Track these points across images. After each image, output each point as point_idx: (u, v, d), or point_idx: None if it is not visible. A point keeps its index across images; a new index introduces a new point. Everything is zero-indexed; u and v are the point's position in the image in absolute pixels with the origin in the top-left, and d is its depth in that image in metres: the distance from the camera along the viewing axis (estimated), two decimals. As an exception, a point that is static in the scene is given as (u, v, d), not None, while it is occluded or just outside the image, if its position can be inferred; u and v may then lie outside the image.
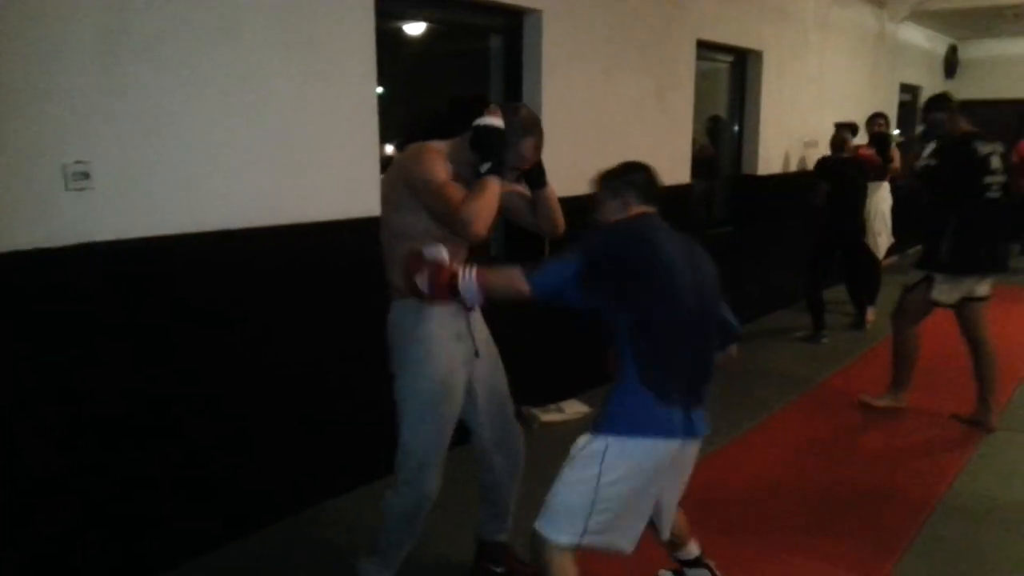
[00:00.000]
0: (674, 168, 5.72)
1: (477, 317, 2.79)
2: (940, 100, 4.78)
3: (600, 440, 2.25)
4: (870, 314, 6.99)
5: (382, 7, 3.56)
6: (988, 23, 10.15)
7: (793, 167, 7.42)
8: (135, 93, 2.80)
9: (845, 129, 6.56)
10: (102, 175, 2.73)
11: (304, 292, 3.37)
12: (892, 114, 9.65)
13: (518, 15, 4.40)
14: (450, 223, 2.44)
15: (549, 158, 4.45)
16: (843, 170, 6.43)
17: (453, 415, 2.68)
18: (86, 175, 2.70)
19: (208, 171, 3.04)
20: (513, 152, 2.54)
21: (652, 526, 2.51)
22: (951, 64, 11.77)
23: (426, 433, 2.62)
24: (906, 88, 10.26)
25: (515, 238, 4.65)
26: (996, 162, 4.43)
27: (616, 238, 2.32)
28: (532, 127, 2.58)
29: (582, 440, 2.30)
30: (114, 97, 2.74)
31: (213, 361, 3.12)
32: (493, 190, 2.45)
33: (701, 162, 6.30)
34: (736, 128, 6.87)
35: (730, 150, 6.96)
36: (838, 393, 5.26)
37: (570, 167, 4.68)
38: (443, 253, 2.36)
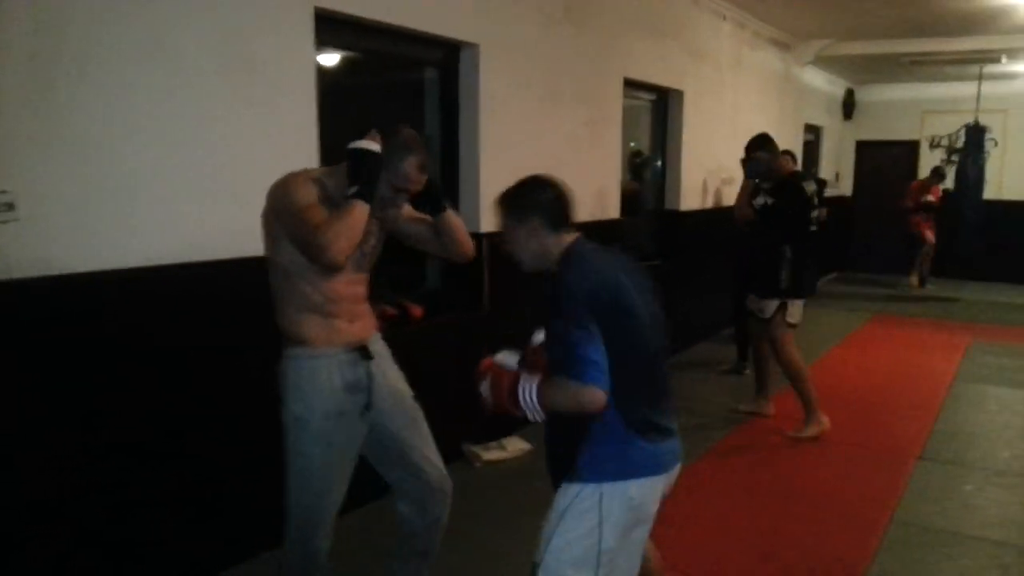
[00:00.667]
0: (605, 203, 5.76)
1: (384, 359, 2.65)
2: (763, 140, 5.30)
3: (592, 488, 2.12)
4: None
5: (321, 35, 3.46)
6: (884, 69, 10.70)
7: (710, 202, 7.58)
8: (63, 118, 2.61)
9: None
10: (27, 206, 2.53)
11: (233, 328, 3.19)
12: (798, 152, 10.02)
13: (455, 48, 4.35)
14: (307, 249, 2.31)
15: (487, 190, 4.45)
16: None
17: (341, 472, 2.53)
18: (10, 206, 2.49)
19: (146, 201, 2.86)
20: (395, 173, 2.42)
21: None
22: (848, 106, 12.36)
23: (309, 493, 2.49)
24: (810, 128, 10.69)
25: (452, 271, 4.56)
26: (815, 199, 5.13)
27: (584, 277, 2.09)
28: (414, 146, 2.45)
29: (570, 492, 2.15)
30: (41, 122, 2.55)
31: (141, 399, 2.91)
32: (356, 215, 2.31)
33: (626, 197, 6.34)
34: (659, 164, 6.97)
35: (652, 186, 7.05)
36: (766, 428, 5.30)
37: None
38: (513, 362, 2.22)
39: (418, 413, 2.71)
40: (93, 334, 2.73)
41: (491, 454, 4.50)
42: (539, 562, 2.16)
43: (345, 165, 2.41)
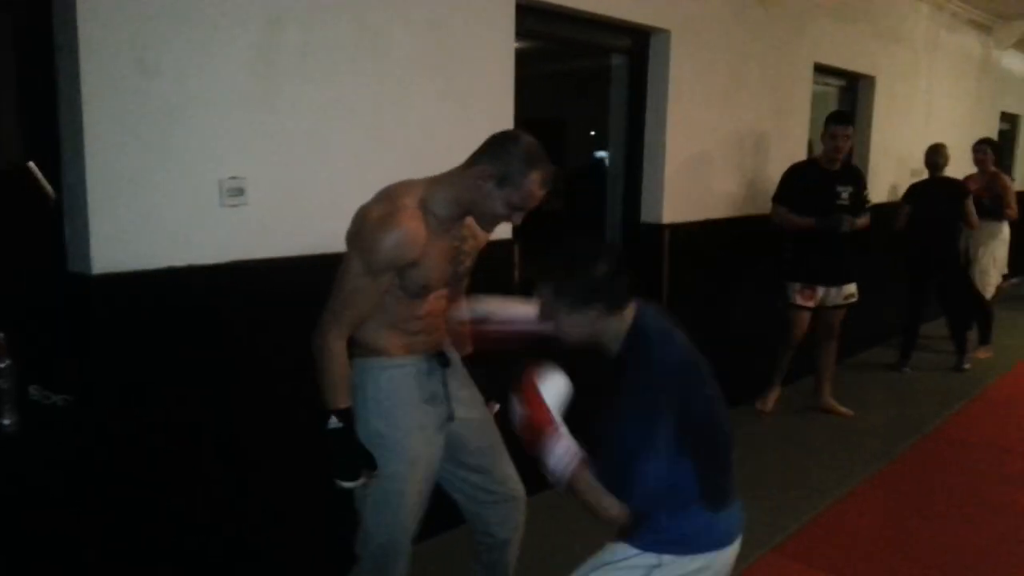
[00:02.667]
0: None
1: (459, 371, 2.46)
2: None
3: (651, 556, 1.91)
4: (982, 352, 6.68)
5: (521, 26, 3.48)
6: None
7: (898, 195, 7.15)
8: (286, 109, 2.74)
9: (932, 149, 6.28)
10: (255, 192, 2.68)
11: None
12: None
13: (646, 35, 4.28)
14: (325, 312, 2.15)
15: (672, 180, 4.37)
16: (933, 192, 6.13)
17: (421, 493, 2.32)
18: (240, 191, 2.65)
19: (353, 190, 2.96)
20: (516, 191, 2.11)
21: None
22: (1050, 92, 11.34)
23: (392, 516, 2.27)
24: (1006, 117, 9.89)
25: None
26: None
27: (663, 359, 1.87)
28: (536, 158, 2.13)
29: (620, 551, 1.95)
30: (266, 112, 2.69)
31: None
32: (324, 382, 2.14)
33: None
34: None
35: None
36: (949, 444, 4.94)
37: (694, 189, 4.59)
38: (557, 391, 1.92)
39: (492, 421, 2.54)
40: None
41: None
42: None
43: (451, 173, 2.21)
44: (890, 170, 6.93)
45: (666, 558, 1.92)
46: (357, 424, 2.24)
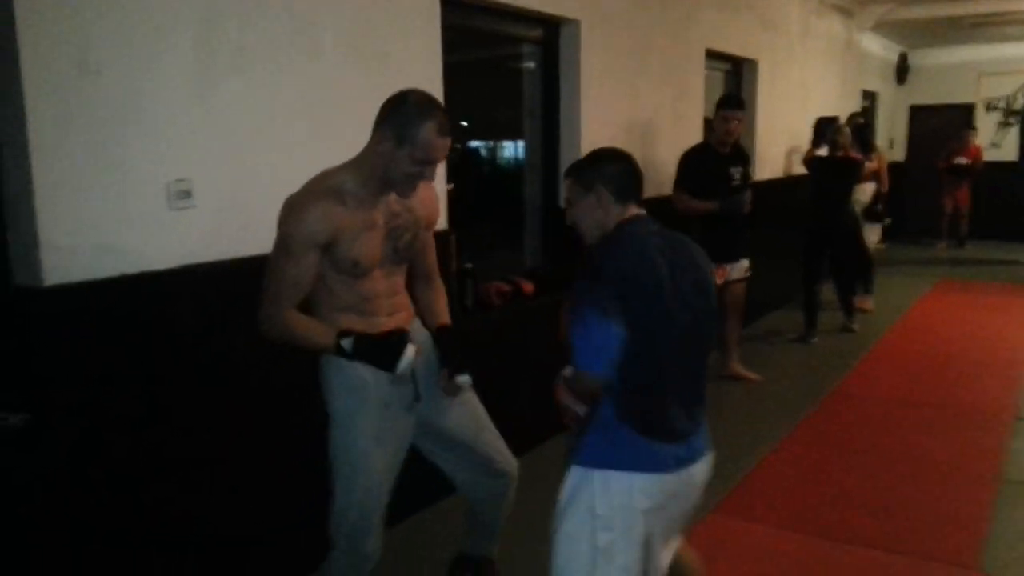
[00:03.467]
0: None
1: (429, 348, 2.49)
2: None
3: (583, 473, 2.03)
4: (867, 302, 7.25)
5: (444, 20, 3.53)
6: (940, 32, 10.57)
7: (780, 172, 7.58)
8: (227, 108, 2.70)
9: (834, 129, 6.64)
10: (201, 193, 2.63)
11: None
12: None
13: (557, 25, 4.40)
14: (261, 302, 2.22)
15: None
16: (835, 168, 6.52)
17: (390, 470, 2.39)
18: (188, 193, 2.60)
19: (297, 187, 2.94)
20: (414, 145, 2.15)
21: None
22: (902, 71, 12.21)
23: (361, 492, 2.32)
24: (866, 94, 10.60)
25: (553, 251, 4.64)
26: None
27: (614, 262, 1.99)
28: (427, 108, 2.18)
29: (567, 489, 2.07)
30: (208, 112, 2.65)
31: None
32: (307, 343, 2.24)
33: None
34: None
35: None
36: (854, 396, 5.33)
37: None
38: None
39: (473, 399, 2.58)
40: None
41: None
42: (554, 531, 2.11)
43: (366, 155, 2.26)
44: (774, 147, 7.34)
45: (596, 474, 2.00)
46: (327, 407, 2.34)
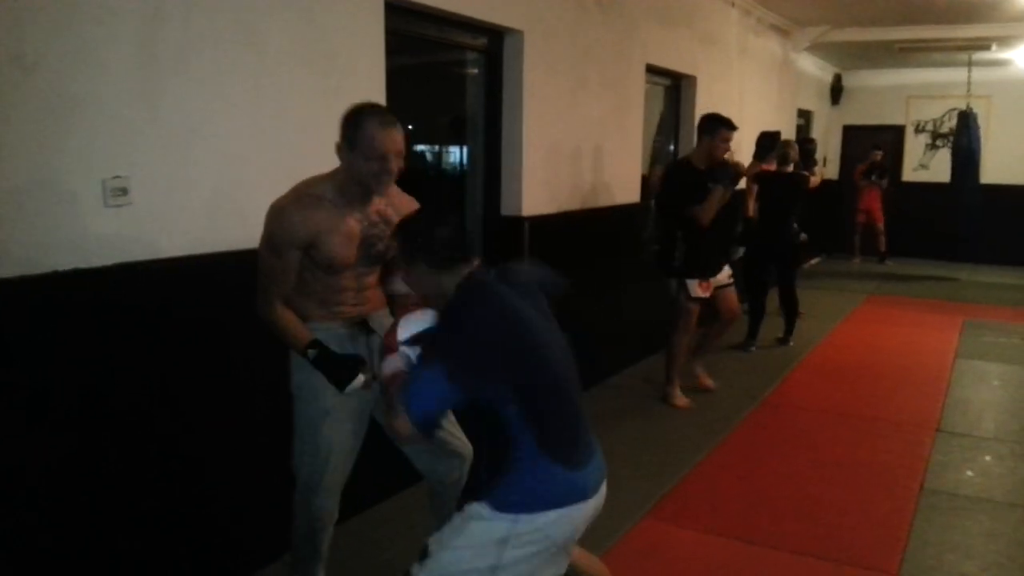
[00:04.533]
0: (627, 187, 5.90)
1: (383, 330, 2.58)
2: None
3: (502, 515, 2.01)
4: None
5: (389, 24, 3.55)
6: (872, 55, 10.94)
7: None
8: (168, 106, 2.68)
9: (784, 143, 6.74)
10: (138, 191, 2.61)
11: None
12: (791, 137, 10.25)
13: (500, 35, 4.45)
14: (257, 290, 2.50)
15: (529, 175, 4.56)
16: (784, 183, 6.70)
17: (342, 440, 2.62)
18: (124, 191, 2.57)
19: (236, 187, 2.94)
20: (363, 148, 2.37)
21: None
22: (836, 91, 12.60)
23: (310, 457, 2.62)
24: (801, 113, 10.91)
25: (496, 255, 4.68)
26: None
27: (469, 318, 1.99)
28: (369, 110, 2.42)
29: (480, 509, 2.04)
30: (148, 109, 2.62)
31: (243, 385, 3.00)
32: (284, 336, 2.50)
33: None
34: (672, 148, 7.13)
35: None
36: (784, 406, 5.48)
37: (546, 180, 4.81)
38: (423, 322, 2.16)
39: None
40: (200, 316, 2.83)
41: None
42: (429, 552, 2.08)
43: (341, 170, 2.47)
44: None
45: (522, 516, 2.00)
46: (293, 383, 2.61)
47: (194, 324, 2.82)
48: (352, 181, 2.47)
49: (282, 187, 3.06)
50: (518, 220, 4.63)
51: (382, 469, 3.08)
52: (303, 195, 2.46)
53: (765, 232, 6.73)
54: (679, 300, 5.16)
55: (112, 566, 2.67)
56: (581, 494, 2.07)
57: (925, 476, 4.22)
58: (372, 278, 2.66)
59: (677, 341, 5.27)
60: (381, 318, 2.70)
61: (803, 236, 7.19)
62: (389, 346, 2.14)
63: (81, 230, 2.47)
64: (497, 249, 4.67)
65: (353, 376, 2.46)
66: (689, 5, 6.64)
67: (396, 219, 2.49)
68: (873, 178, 11.43)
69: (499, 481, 2.03)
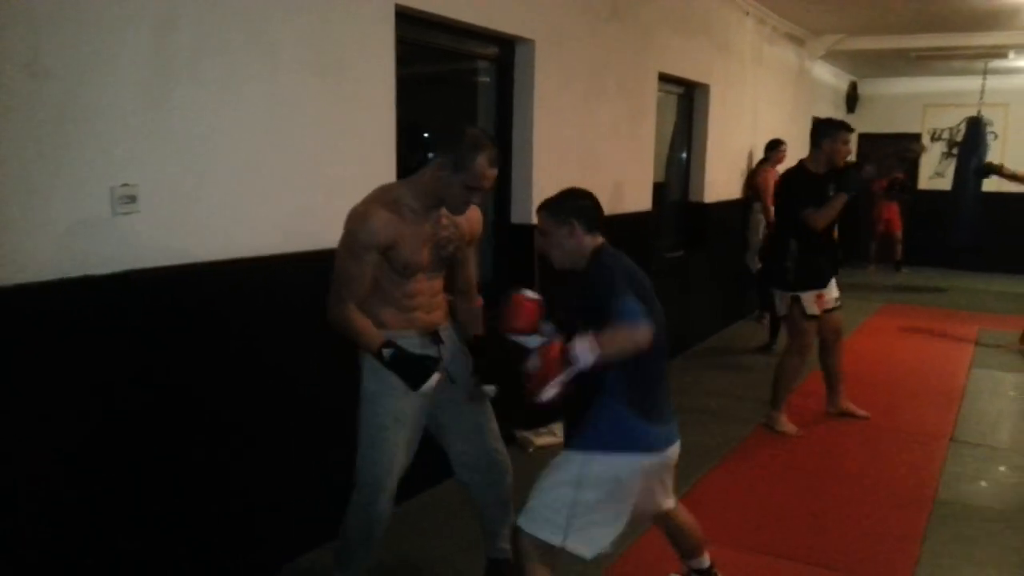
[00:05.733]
0: (639, 194, 5.89)
1: (455, 346, 2.83)
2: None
3: (581, 455, 2.40)
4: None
5: (400, 34, 3.57)
6: (888, 63, 10.88)
7: (731, 194, 7.74)
8: (179, 113, 2.70)
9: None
10: (147, 198, 2.62)
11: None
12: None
13: (511, 44, 4.46)
14: (330, 293, 2.57)
15: (539, 183, 4.56)
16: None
17: (407, 445, 2.72)
18: (132, 198, 2.59)
19: (246, 195, 2.96)
20: (468, 174, 2.51)
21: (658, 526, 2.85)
22: (852, 100, 12.55)
23: (375, 459, 2.67)
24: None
25: (503, 264, 4.68)
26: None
27: (619, 264, 2.45)
28: (481, 143, 2.53)
29: (562, 455, 2.47)
30: (158, 117, 2.64)
31: (257, 393, 3.02)
32: (356, 336, 2.56)
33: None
34: (684, 156, 7.12)
35: (677, 177, 7.18)
36: (796, 415, 5.37)
37: (557, 189, 4.77)
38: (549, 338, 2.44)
39: (482, 400, 2.88)
40: (209, 323, 2.84)
41: (542, 439, 4.63)
42: (526, 506, 2.47)
43: (424, 176, 2.59)
44: (723, 170, 7.49)
45: (597, 455, 2.37)
46: (362, 386, 2.68)
47: (203, 330, 2.84)
48: (433, 194, 2.58)
49: (292, 194, 3.10)
50: (528, 228, 4.62)
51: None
52: (384, 200, 2.56)
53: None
54: (792, 318, 4.88)
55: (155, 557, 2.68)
56: (653, 445, 2.42)
57: (938, 487, 4.18)
58: (440, 284, 2.78)
59: (788, 363, 4.98)
60: (449, 330, 2.83)
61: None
62: (525, 328, 2.55)
63: (89, 237, 2.48)
64: (507, 257, 4.68)
65: (428, 375, 2.52)
66: (703, 14, 6.64)
67: (465, 224, 2.76)
68: (893, 193, 11.24)
69: (585, 424, 2.39)
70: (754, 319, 7.94)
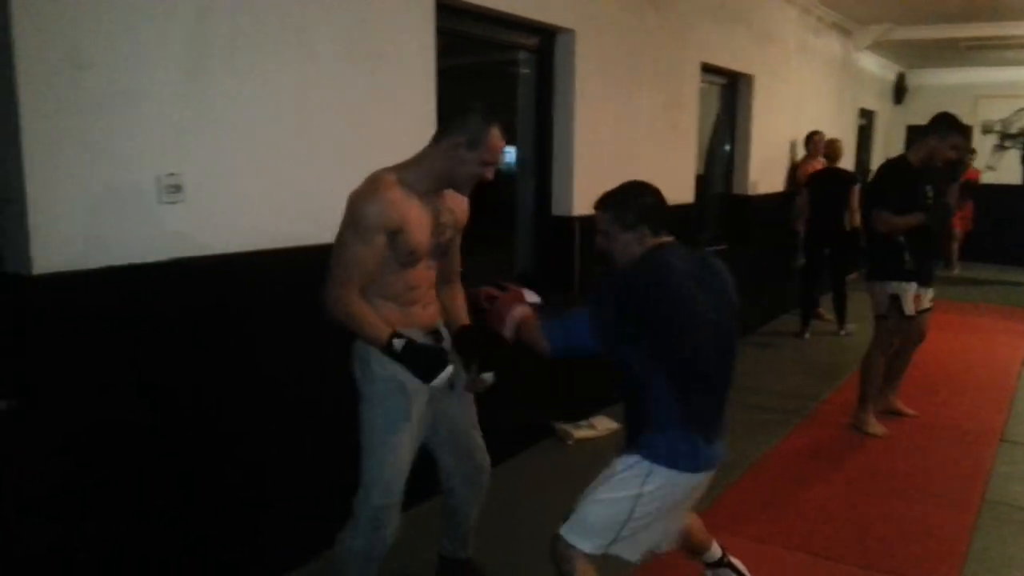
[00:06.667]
0: (680, 186, 5.83)
1: (448, 342, 2.68)
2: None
3: (645, 465, 2.30)
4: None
5: (440, 24, 3.57)
6: (937, 54, 10.64)
7: (774, 187, 7.64)
8: (218, 103, 2.73)
9: (830, 142, 7.26)
10: (191, 188, 2.66)
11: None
12: (852, 137, 10.04)
13: (552, 34, 4.44)
14: (328, 271, 2.40)
15: (580, 174, 4.54)
16: (830, 180, 7.01)
17: (412, 451, 2.58)
18: (178, 188, 2.62)
19: (285, 184, 2.98)
20: (485, 148, 2.41)
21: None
22: (899, 91, 12.29)
23: (389, 470, 2.49)
24: (863, 113, 10.67)
25: (543, 255, 4.67)
26: None
27: (629, 277, 2.27)
28: (491, 116, 2.44)
29: (625, 461, 2.34)
30: (199, 107, 2.67)
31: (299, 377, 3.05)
32: (362, 331, 2.39)
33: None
34: (727, 148, 7.04)
35: (720, 170, 7.11)
36: (839, 412, 5.29)
37: (596, 180, 4.75)
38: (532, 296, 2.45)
39: (470, 400, 2.78)
40: (252, 313, 2.88)
41: (581, 432, 4.61)
42: (574, 509, 2.38)
43: (421, 154, 2.47)
44: (767, 160, 7.40)
45: (656, 467, 2.28)
46: (364, 389, 2.51)
47: (247, 320, 2.87)
48: (440, 175, 2.46)
49: (331, 184, 3.10)
50: (569, 220, 4.61)
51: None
52: (389, 179, 2.40)
53: (816, 223, 7.04)
54: (889, 315, 4.68)
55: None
56: (703, 465, 2.33)
57: (987, 487, 4.07)
58: (434, 274, 2.62)
59: (875, 361, 4.82)
60: (444, 328, 2.70)
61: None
62: (516, 299, 2.40)
63: (136, 226, 2.52)
64: (548, 250, 4.66)
65: (442, 367, 2.37)
66: (746, 3, 6.55)
67: (458, 211, 2.64)
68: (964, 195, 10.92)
69: (647, 436, 2.30)
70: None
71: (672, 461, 2.28)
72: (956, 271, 11.10)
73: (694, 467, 2.31)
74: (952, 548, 3.44)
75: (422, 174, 2.45)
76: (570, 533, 2.35)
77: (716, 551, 2.89)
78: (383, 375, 2.46)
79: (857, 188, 6.87)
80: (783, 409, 5.28)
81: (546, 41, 4.45)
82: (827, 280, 7.29)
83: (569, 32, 4.44)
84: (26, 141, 2.24)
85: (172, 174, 2.60)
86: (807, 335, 7.22)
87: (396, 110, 3.38)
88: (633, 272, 2.28)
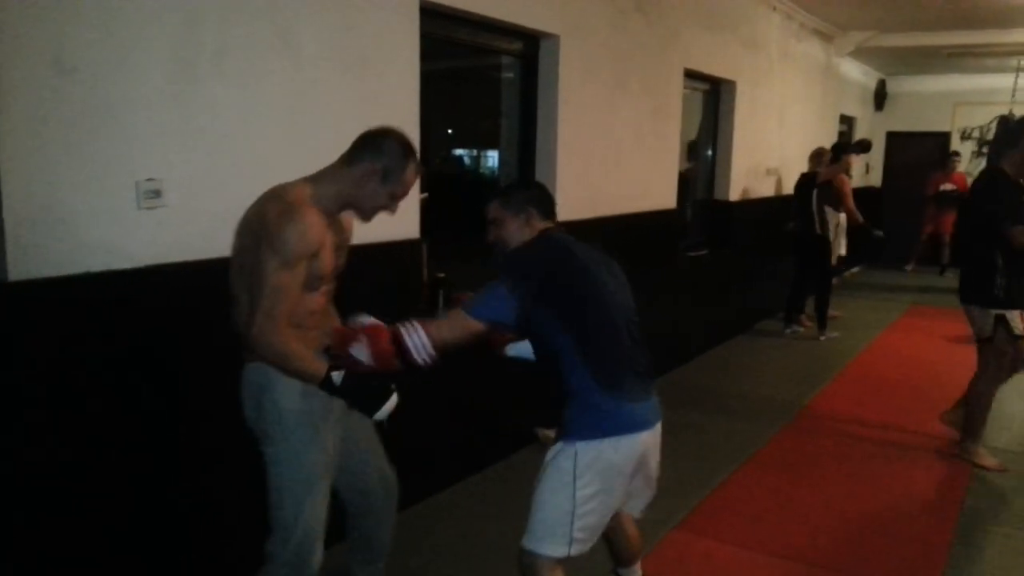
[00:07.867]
0: (663, 192, 5.84)
1: None
2: None
3: (570, 447, 2.32)
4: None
5: (424, 28, 3.55)
6: (918, 61, 10.73)
7: (757, 193, 7.67)
8: (203, 109, 2.70)
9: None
10: (173, 193, 2.63)
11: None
12: (831, 143, 10.10)
13: (536, 39, 4.43)
14: (253, 311, 2.15)
15: (563, 179, 4.53)
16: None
17: (330, 480, 2.44)
18: (158, 193, 2.59)
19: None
20: (397, 183, 2.31)
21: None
22: (880, 97, 12.38)
23: (311, 505, 2.33)
24: (843, 119, 10.73)
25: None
26: None
27: (532, 250, 2.40)
28: (410, 151, 2.35)
29: (552, 450, 2.39)
30: (183, 113, 2.64)
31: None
32: (298, 371, 2.19)
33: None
34: (709, 153, 7.06)
35: (703, 175, 7.13)
36: (821, 418, 5.36)
37: (579, 186, 4.77)
38: (370, 318, 2.30)
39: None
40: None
41: (564, 437, 4.60)
42: (529, 525, 2.40)
43: (337, 168, 2.32)
44: (749, 168, 7.42)
45: (579, 444, 2.31)
46: (270, 424, 2.31)
47: (226, 326, 2.83)
48: (347, 200, 2.32)
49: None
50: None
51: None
52: (307, 200, 2.22)
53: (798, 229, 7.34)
54: (995, 338, 4.38)
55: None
56: (634, 425, 2.34)
57: (966, 494, 4.11)
58: (328, 297, 2.45)
59: (985, 389, 4.51)
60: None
61: (878, 233, 8.05)
62: (348, 337, 2.26)
63: (115, 231, 2.49)
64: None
65: (386, 398, 2.24)
66: (729, 10, 6.57)
67: (347, 231, 2.48)
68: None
69: (568, 413, 2.34)
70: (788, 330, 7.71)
71: (593, 429, 2.30)
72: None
73: (618, 428, 2.31)
74: (932, 554, 3.47)
75: (331, 195, 2.29)
76: (528, 541, 2.38)
77: (638, 571, 2.82)
78: (292, 407, 2.28)
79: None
80: (765, 414, 5.30)
81: (530, 46, 4.44)
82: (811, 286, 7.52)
83: (553, 37, 4.43)
84: (5, 147, 2.21)
85: (151, 179, 2.57)
86: (788, 331, 7.56)
87: (381, 115, 3.34)
88: (533, 244, 2.42)
